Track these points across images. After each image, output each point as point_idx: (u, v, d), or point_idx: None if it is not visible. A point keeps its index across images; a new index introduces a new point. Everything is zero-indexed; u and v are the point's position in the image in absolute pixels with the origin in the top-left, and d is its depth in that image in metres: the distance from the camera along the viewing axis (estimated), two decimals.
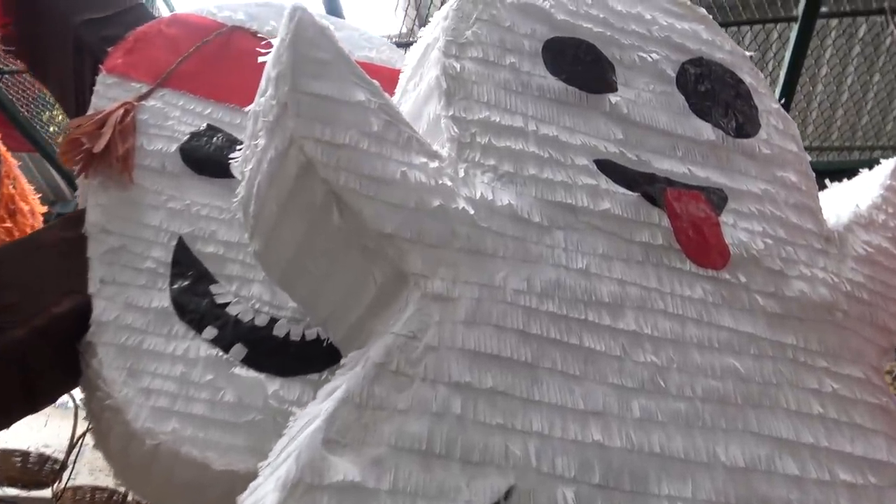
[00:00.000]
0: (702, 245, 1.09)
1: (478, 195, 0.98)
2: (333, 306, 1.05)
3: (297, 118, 0.93)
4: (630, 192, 1.09)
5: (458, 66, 1.11)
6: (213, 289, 1.21)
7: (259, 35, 1.49)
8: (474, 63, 1.12)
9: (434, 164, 0.98)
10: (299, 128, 0.92)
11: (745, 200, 1.19)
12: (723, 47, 1.40)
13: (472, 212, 0.95)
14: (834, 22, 3.32)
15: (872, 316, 1.19)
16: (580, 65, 1.21)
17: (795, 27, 2.95)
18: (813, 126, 3.68)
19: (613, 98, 1.19)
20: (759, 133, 1.31)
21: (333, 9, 2.78)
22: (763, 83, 1.41)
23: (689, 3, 1.44)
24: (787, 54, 3.05)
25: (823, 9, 3.11)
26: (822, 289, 1.14)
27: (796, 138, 1.36)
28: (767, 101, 1.38)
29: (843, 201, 1.36)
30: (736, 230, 1.14)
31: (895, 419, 1.08)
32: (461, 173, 1.00)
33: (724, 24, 3.47)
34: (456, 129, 1.04)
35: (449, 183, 0.97)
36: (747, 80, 1.38)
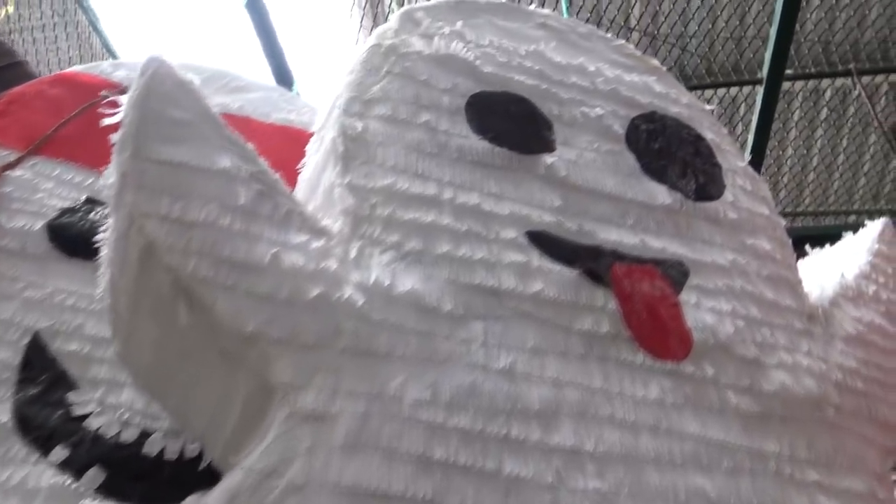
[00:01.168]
0: (658, 331, 0.90)
1: (372, 280, 0.79)
2: (206, 420, 0.83)
3: (137, 191, 0.74)
4: (569, 270, 0.90)
5: (360, 125, 0.93)
6: (71, 397, 0.99)
7: None
8: (381, 122, 0.95)
9: (318, 244, 0.79)
10: (140, 203, 0.74)
11: (710, 274, 1.01)
12: (678, 100, 1.24)
13: (361, 302, 0.76)
14: (800, 85, 3.24)
15: (871, 409, 0.99)
16: (510, 122, 1.04)
17: (761, 89, 2.87)
18: (785, 191, 3.57)
19: (549, 159, 1.01)
20: (724, 195, 1.14)
21: (282, 73, 2.66)
22: (727, 140, 1.25)
23: (638, 54, 1.30)
24: (755, 117, 2.96)
25: (789, 71, 3.04)
26: (808, 379, 0.94)
27: (768, 200, 1.19)
28: (733, 159, 1.21)
29: (825, 271, 1.18)
30: (700, 311, 0.95)
31: None
32: (353, 253, 0.81)
33: (691, 88, 3.40)
34: (352, 200, 0.86)
35: (335, 266, 0.78)
36: (708, 135, 1.21)
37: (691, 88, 3.44)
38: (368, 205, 0.86)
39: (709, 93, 3.16)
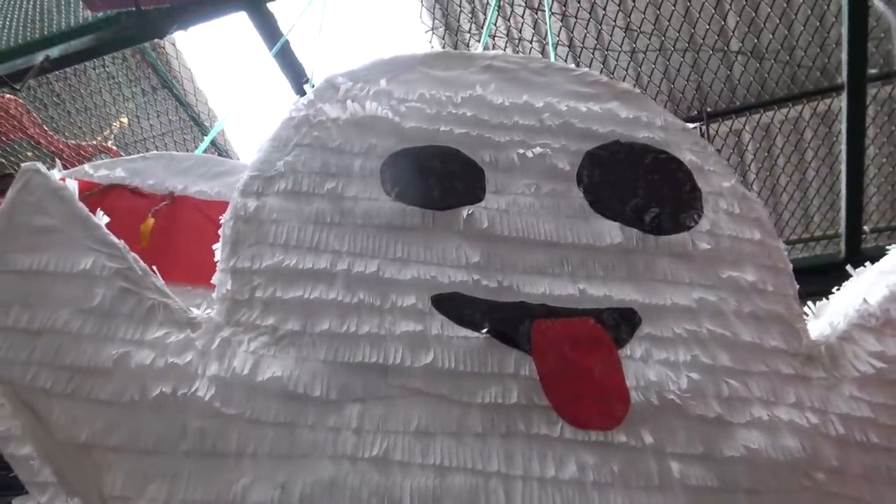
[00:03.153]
0: (582, 396, 0.77)
1: (230, 371, 0.73)
2: None
3: None
4: (474, 334, 0.80)
5: (253, 205, 0.90)
6: (17, 503, 1.01)
7: (141, 190, 1.38)
8: (279, 198, 0.91)
9: (177, 337, 0.75)
10: None
11: (667, 320, 0.86)
12: (651, 123, 1.11)
13: (209, 397, 0.70)
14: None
15: (893, 467, 0.79)
16: (430, 177, 0.97)
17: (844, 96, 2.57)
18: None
19: (468, 210, 0.92)
20: (699, 223, 0.99)
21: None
22: (712, 159, 1.09)
23: (605, 80, 1.18)
24: (843, 126, 2.65)
25: (873, 71, 2.72)
26: (789, 439, 0.77)
27: (761, 222, 1.02)
28: (717, 179, 1.06)
29: (847, 300, 0.99)
30: (647, 366, 0.81)
31: None
32: (216, 343, 0.76)
33: (769, 104, 3.11)
34: (230, 285, 0.82)
35: (187, 359, 0.73)
36: (687, 157, 1.07)
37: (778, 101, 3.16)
38: (249, 287, 0.82)
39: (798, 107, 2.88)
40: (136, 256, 0.82)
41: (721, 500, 0.72)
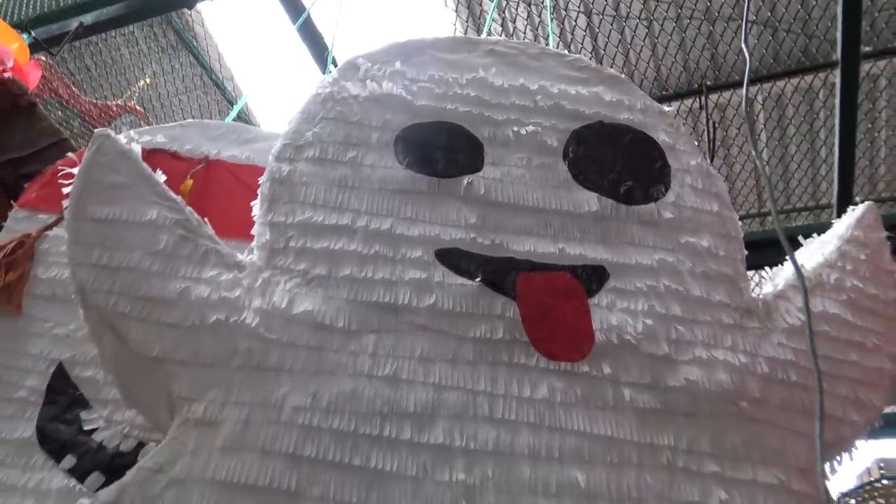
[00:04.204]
0: (553, 334, 0.94)
1: (271, 304, 0.91)
2: (164, 426, 0.99)
3: (74, 245, 0.91)
4: (469, 282, 0.97)
5: (287, 169, 1.06)
6: (83, 415, 1.20)
7: (180, 155, 1.54)
8: (308, 163, 1.07)
9: (228, 276, 0.93)
10: (75, 255, 0.91)
11: (631, 276, 1.03)
12: (632, 106, 1.26)
13: (255, 323, 0.88)
14: (883, 62, 3.01)
15: (806, 401, 0.97)
16: (437, 150, 1.13)
17: (838, 72, 2.70)
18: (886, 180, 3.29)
19: (469, 179, 1.09)
20: (666, 196, 1.15)
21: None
22: (683, 139, 1.25)
23: (593, 66, 1.33)
24: (837, 101, 2.78)
25: (867, 48, 2.84)
26: (722, 374, 0.94)
27: (720, 196, 1.19)
28: (686, 158, 1.22)
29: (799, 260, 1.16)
30: (611, 312, 0.98)
31: None
32: (259, 282, 0.93)
33: (764, 78, 3.25)
34: (269, 235, 0.99)
35: (237, 295, 0.91)
36: (661, 138, 1.23)
37: (767, 78, 3.29)
38: (284, 238, 0.99)
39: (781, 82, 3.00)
40: (192, 209, 0.99)
41: (663, 420, 0.90)
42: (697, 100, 3.05)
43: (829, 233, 1.21)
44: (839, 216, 3.20)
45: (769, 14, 3.44)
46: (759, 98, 3.54)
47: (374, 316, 0.93)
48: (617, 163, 1.17)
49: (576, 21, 4.20)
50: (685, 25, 3.84)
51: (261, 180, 1.07)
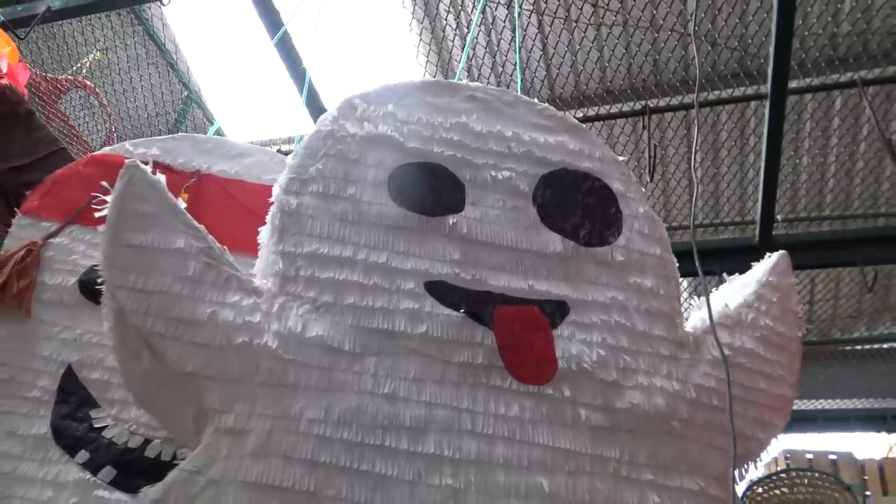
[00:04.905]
0: (524, 361, 1.12)
1: (287, 328, 1.05)
2: (182, 433, 1.12)
3: (112, 269, 1.03)
4: (454, 313, 1.14)
5: (294, 202, 1.19)
6: (93, 413, 1.31)
7: (173, 168, 1.64)
8: (313, 197, 1.21)
9: (249, 302, 1.06)
10: (114, 278, 1.03)
11: (588, 311, 1.22)
12: (591, 155, 1.45)
13: (275, 346, 1.02)
14: (809, 96, 3.32)
15: (724, 422, 1.18)
16: (425, 189, 1.28)
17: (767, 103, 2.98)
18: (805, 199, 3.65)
19: (453, 219, 1.25)
20: (618, 239, 1.34)
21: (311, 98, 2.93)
22: (634, 188, 1.45)
23: (560, 115, 1.51)
24: (765, 130, 3.06)
25: (794, 83, 3.13)
26: (659, 398, 1.14)
27: (663, 241, 1.39)
28: (636, 205, 1.41)
29: (721, 299, 1.37)
30: (571, 343, 1.17)
31: None
32: (275, 308, 1.07)
33: (703, 105, 3.52)
34: (281, 265, 1.12)
35: (259, 319, 1.04)
36: (615, 185, 1.42)
37: (704, 105, 3.57)
38: (294, 267, 1.13)
39: (717, 108, 3.29)
40: (214, 238, 1.11)
41: (610, 436, 1.09)
42: (641, 120, 3.29)
43: (748, 275, 1.43)
44: (762, 231, 3.48)
45: (709, 26, 3.72)
46: (697, 123, 3.85)
47: (374, 340, 1.08)
48: (578, 208, 1.35)
49: (528, 20, 4.39)
50: (631, 32, 4.08)
51: (271, 211, 1.20)
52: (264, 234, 1.24)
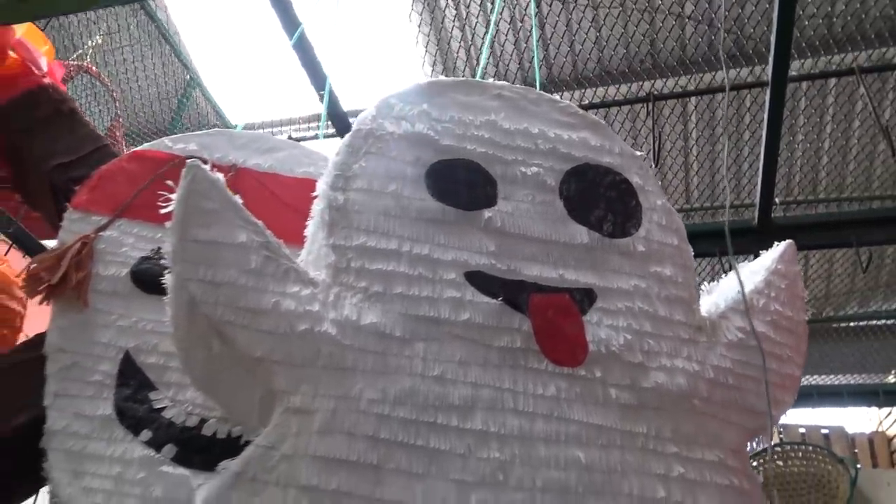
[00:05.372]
0: (560, 345, 1.22)
1: (343, 316, 1.14)
2: (242, 413, 1.21)
3: (182, 263, 1.12)
4: (493, 301, 1.23)
5: (342, 198, 1.28)
6: (152, 395, 1.41)
7: (210, 161, 1.71)
8: (358, 193, 1.30)
9: (307, 292, 1.15)
10: (184, 271, 1.11)
11: (613, 298, 1.32)
12: (612, 150, 1.54)
13: (334, 332, 1.11)
14: (806, 84, 3.41)
15: (739, 399, 1.28)
16: (460, 185, 1.37)
17: (768, 91, 3.07)
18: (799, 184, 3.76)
19: (488, 213, 1.34)
20: (638, 231, 1.43)
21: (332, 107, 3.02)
22: (651, 181, 1.54)
23: (580, 112, 1.59)
24: (765, 116, 3.15)
25: (793, 73, 3.22)
26: (681, 378, 1.25)
27: (679, 231, 1.48)
28: (653, 198, 1.50)
29: (732, 286, 1.47)
30: (599, 328, 1.26)
31: (747, 498, 1.17)
32: (331, 297, 1.16)
33: (700, 92, 3.61)
34: (333, 257, 1.21)
35: (317, 308, 1.14)
36: (634, 179, 1.51)
37: (700, 93, 3.65)
38: (346, 259, 1.21)
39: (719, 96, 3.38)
40: (272, 232, 1.20)
41: (638, 413, 1.19)
42: (645, 107, 3.38)
43: (756, 263, 1.53)
44: (761, 214, 3.58)
45: (706, 6, 3.80)
46: (698, 108, 3.95)
47: (422, 327, 1.17)
48: (601, 201, 1.44)
49: (525, 9, 4.46)
50: (629, 13, 4.16)
51: (317, 206, 1.29)
52: (311, 228, 1.33)
